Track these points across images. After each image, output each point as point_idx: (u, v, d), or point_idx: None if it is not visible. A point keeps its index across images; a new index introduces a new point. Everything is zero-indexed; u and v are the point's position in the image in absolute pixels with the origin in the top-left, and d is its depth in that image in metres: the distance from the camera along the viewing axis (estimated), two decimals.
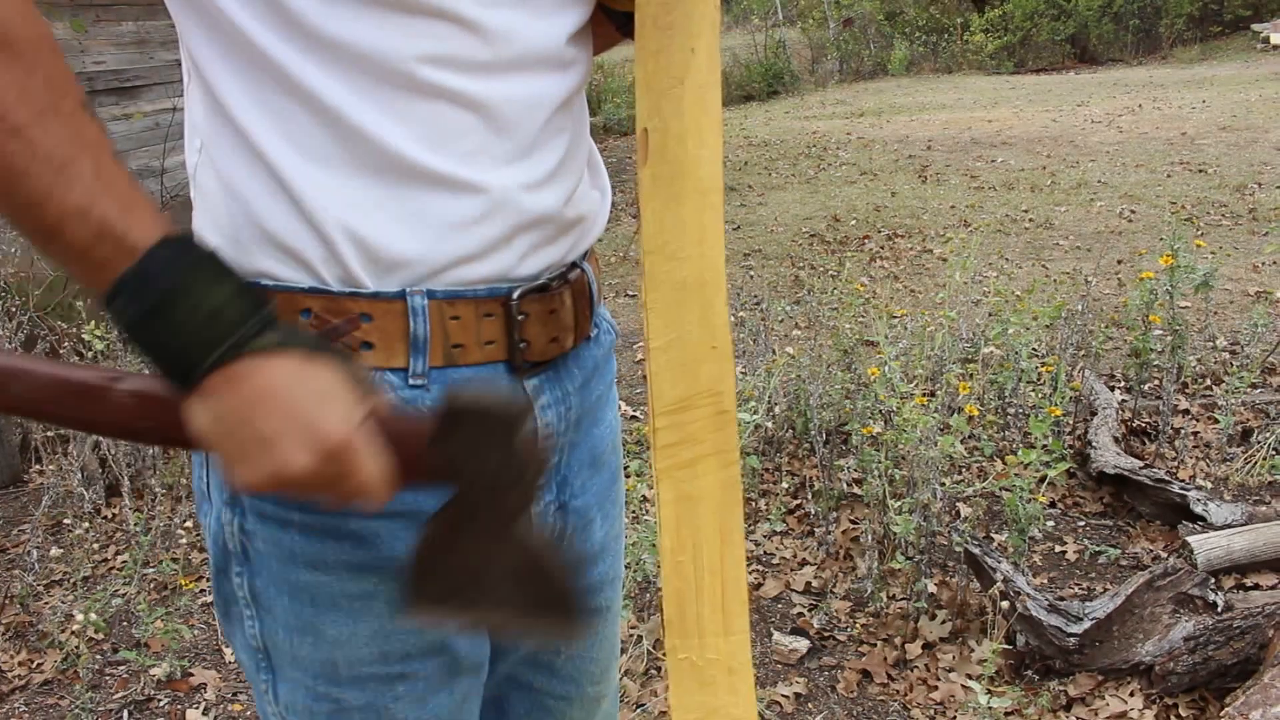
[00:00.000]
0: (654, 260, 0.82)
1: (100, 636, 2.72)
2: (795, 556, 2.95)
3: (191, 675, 2.56)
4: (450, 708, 0.93)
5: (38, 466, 3.67)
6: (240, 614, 0.89)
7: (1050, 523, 3.01)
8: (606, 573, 1.06)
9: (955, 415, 2.75)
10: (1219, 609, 2.31)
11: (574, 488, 0.98)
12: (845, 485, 3.17)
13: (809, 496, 3.14)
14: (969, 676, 2.36)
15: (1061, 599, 2.48)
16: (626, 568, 2.54)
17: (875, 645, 2.53)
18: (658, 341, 0.81)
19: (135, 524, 3.08)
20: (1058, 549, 2.91)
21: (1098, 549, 2.87)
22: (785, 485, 3.25)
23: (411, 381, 0.81)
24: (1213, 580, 2.41)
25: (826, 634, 2.60)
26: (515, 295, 0.84)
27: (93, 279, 0.69)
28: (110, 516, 3.32)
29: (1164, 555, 2.79)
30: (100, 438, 3.27)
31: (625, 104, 12.39)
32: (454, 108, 0.78)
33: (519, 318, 0.85)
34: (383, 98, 0.76)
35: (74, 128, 0.68)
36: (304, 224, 0.77)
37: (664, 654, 0.87)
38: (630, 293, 5.49)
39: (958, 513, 3.05)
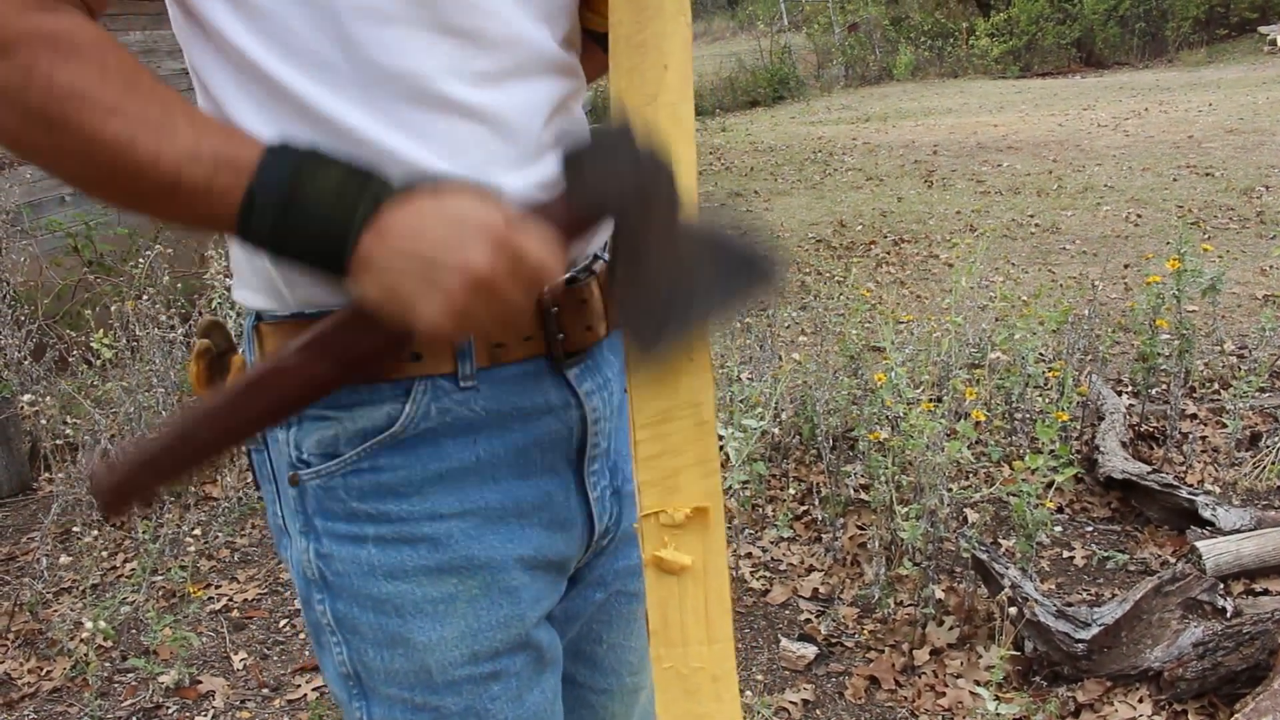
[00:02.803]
0: None
1: (109, 644, 2.72)
2: (803, 563, 2.95)
3: (200, 683, 2.57)
4: (544, 705, 0.95)
5: (47, 475, 3.69)
6: (328, 642, 0.91)
7: (1058, 528, 3.00)
8: None
9: (962, 420, 2.75)
10: (1228, 614, 2.31)
11: (625, 473, 0.99)
12: (852, 491, 3.16)
13: (816, 502, 3.14)
14: (977, 683, 2.35)
15: (1069, 605, 2.47)
16: None
17: (883, 651, 2.53)
18: (637, 355, 0.82)
19: (144, 532, 3.09)
20: (1065, 554, 2.91)
21: (1106, 554, 2.86)
22: (792, 491, 3.25)
23: (462, 384, 0.85)
24: (1221, 585, 2.40)
25: (834, 640, 2.60)
26: (545, 290, 0.86)
27: (221, 212, 0.73)
28: (119, 524, 3.33)
29: (1172, 560, 2.78)
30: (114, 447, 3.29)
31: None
32: (463, 120, 0.81)
33: (553, 310, 0.88)
34: (397, 116, 0.79)
35: (157, 93, 0.73)
36: None
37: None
38: None
39: (965, 518, 3.05)
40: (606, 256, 0.92)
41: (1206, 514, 2.79)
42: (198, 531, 3.24)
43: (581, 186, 0.76)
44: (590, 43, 0.96)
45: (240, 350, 0.91)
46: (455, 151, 0.81)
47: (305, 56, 0.77)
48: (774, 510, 3.17)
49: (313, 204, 0.72)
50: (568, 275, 0.89)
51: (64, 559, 3.15)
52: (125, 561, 3.13)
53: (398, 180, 0.74)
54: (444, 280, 0.70)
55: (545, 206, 0.76)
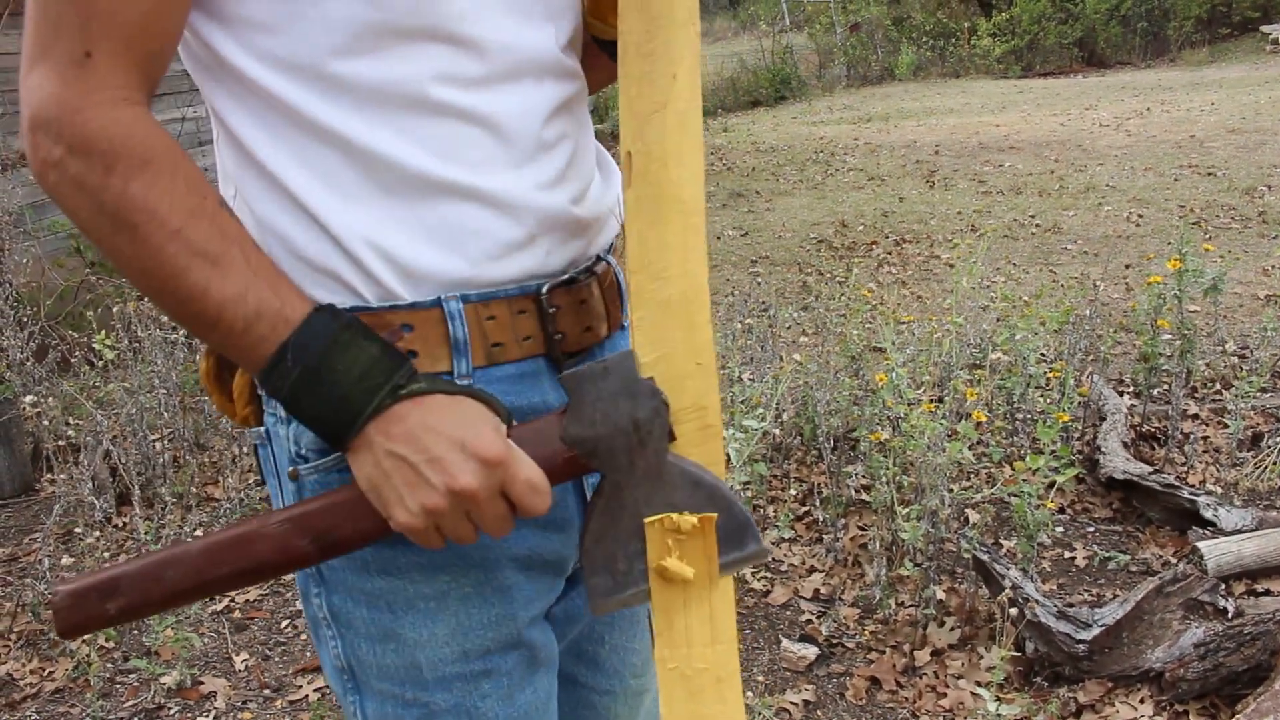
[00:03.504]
0: (639, 279, 0.84)
1: (111, 645, 2.73)
2: (804, 563, 2.95)
3: (202, 684, 2.57)
4: (536, 704, 0.95)
5: (49, 476, 3.69)
6: (325, 636, 0.93)
7: (1059, 529, 3.00)
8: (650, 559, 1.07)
9: (963, 421, 2.75)
10: (1230, 615, 2.31)
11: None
12: (853, 492, 3.16)
13: (817, 503, 3.14)
14: (978, 683, 2.35)
15: (1071, 605, 2.47)
16: None
17: (884, 652, 2.53)
18: (644, 359, 0.83)
19: (146, 533, 3.10)
20: (1067, 555, 2.91)
21: (1107, 555, 2.86)
22: (793, 492, 3.25)
23: (458, 383, 0.85)
24: (1223, 586, 2.40)
25: (835, 641, 2.60)
26: (544, 290, 0.88)
27: (252, 354, 0.78)
28: (121, 525, 3.33)
29: (1174, 561, 2.78)
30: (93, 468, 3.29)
31: None
32: (459, 123, 0.82)
33: (551, 310, 0.89)
34: (393, 122, 0.81)
35: (219, 224, 0.77)
36: (336, 249, 0.82)
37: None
38: None
39: (966, 519, 3.05)
40: (611, 258, 0.94)
41: (1208, 514, 2.79)
42: (199, 532, 3.24)
43: (577, 423, 0.80)
44: (597, 50, 0.97)
45: None
46: (452, 153, 0.82)
47: (298, 68, 0.79)
48: (775, 511, 3.18)
49: (336, 381, 0.77)
50: (566, 277, 0.90)
51: (66, 560, 3.16)
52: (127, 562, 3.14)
53: (424, 376, 0.80)
54: (428, 486, 0.76)
55: (541, 435, 0.81)
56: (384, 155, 0.81)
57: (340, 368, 0.77)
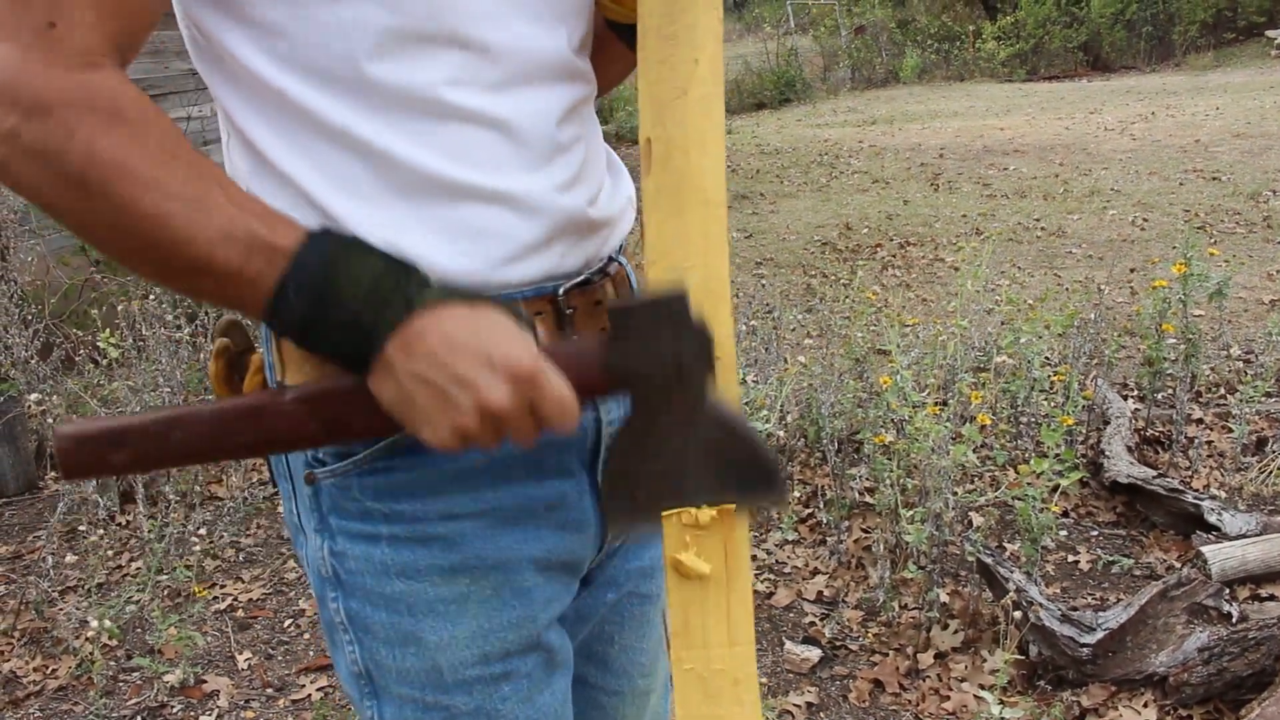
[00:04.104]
0: (657, 271, 0.82)
1: (114, 643, 2.73)
2: (807, 565, 2.95)
3: (205, 682, 2.57)
4: (554, 706, 0.95)
5: (53, 474, 3.69)
6: (341, 640, 0.92)
7: (1063, 532, 3.00)
8: (658, 558, 1.06)
9: (967, 424, 2.75)
10: (1234, 620, 2.30)
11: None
12: (857, 494, 3.16)
13: (821, 505, 3.14)
14: (981, 687, 2.35)
15: (1074, 609, 2.47)
16: None
17: (887, 655, 2.53)
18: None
19: (149, 531, 3.10)
20: (1070, 559, 2.90)
21: (1111, 559, 2.86)
22: (797, 494, 3.25)
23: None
24: (1227, 591, 2.40)
25: (838, 643, 2.60)
26: (561, 292, 0.88)
27: (251, 295, 0.74)
28: (124, 524, 3.34)
29: (1178, 565, 2.77)
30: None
31: (637, 113, 12.39)
32: (474, 126, 0.82)
33: (568, 311, 0.88)
34: (408, 126, 0.80)
35: (196, 167, 0.73)
36: None
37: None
38: None
39: (970, 522, 3.04)
40: (618, 263, 0.92)
41: (1212, 519, 2.78)
42: (203, 531, 3.25)
43: (620, 350, 0.77)
44: (614, 38, 0.96)
45: (258, 349, 0.91)
46: (467, 156, 0.82)
47: (314, 71, 0.78)
48: (779, 513, 3.17)
49: (347, 298, 0.73)
50: (581, 278, 0.90)
51: (70, 558, 3.16)
52: (131, 561, 3.14)
53: (434, 284, 0.75)
54: (458, 407, 0.72)
55: (577, 356, 0.77)
56: (401, 159, 0.80)
57: (346, 287, 0.73)
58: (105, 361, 3.58)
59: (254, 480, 3.56)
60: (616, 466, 0.81)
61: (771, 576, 2.89)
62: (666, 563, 0.83)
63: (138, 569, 3.06)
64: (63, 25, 0.70)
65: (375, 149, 0.79)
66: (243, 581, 3.06)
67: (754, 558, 2.97)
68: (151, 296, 3.88)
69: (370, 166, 0.80)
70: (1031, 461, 2.54)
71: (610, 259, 0.94)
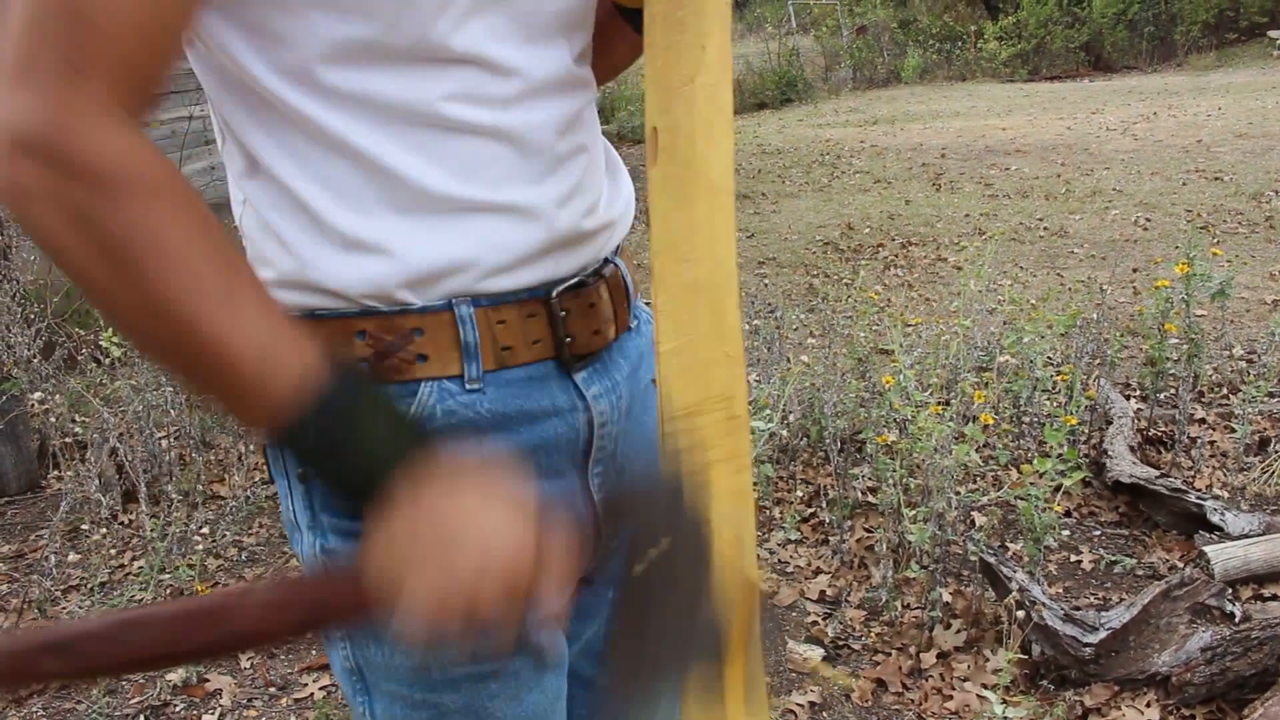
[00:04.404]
0: (663, 262, 0.81)
1: None
2: (810, 565, 2.95)
3: (207, 681, 2.57)
4: (544, 705, 0.95)
5: (55, 473, 3.70)
6: (334, 638, 0.91)
7: (1066, 532, 3.00)
8: None
9: (970, 424, 2.75)
10: (1236, 619, 2.30)
11: (633, 474, 0.99)
12: (860, 494, 3.16)
13: (823, 505, 3.14)
14: (984, 686, 2.35)
15: (1077, 609, 2.47)
16: None
17: (890, 654, 2.53)
18: (667, 345, 0.79)
19: (152, 530, 3.10)
20: (1073, 558, 2.90)
21: (1114, 559, 2.86)
22: (800, 493, 3.24)
23: (468, 386, 0.84)
24: (1230, 591, 2.40)
25: (841, 643, 2.60)
26: (554, 294, 0.87)
27: (261, 408, 0.71)
28: (127, 523, 3.34)
29: (1180, 565, 2.77)
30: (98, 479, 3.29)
31: (639, 111, 12.38)
32: (482, 140, 0.81)
33: (561, 314, 0.87)
34: (412, 139, 0.79)
35: (228, 259, 0.70)
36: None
37: None
38: (647, 300, 5.47)
39: (973, 522, 3.04)
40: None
41: (1215, 519, 2.78)
42: (205, 530, 3.25)
43: (615, 540, 0.75)
44: (621, 22, 0.94)
45: None
46: (472, 171, 0.81)
47: (318, 85, 0.77)
48: (781, 512, 3.17)
49: (365, 441, 0.72)
50: (575, 280, 0.89)
51: (72, 556, 3.16)
52: (133, 559, 3.14)
53: (438, 442, 0.74)
54: (444, 599, 0.70)
55: (575, 539, 0.75)
56: (403, 173, 0.79)
57: (368, 431, 0.72)
58: (108, 360, 3.58)
59: (256, 479, 3.56)
60: (622, 655, 0.78)
61: (774, 576, 2.89)
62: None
63: (140, 568, 3.06)
64: (91, 74, 0.66)
65: (375, 161, 0.78)
66: (245, 580, 3.06)
67: (756, 557, 2.96)
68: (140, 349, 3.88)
69: (369, 178, 0.79)
70: (1034, 461, 2.54)
71: (606, 260, 0.94)
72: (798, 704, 2.37)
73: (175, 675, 2.56)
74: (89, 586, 2.95)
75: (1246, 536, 2.69)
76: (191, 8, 0.72)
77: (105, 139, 0.66)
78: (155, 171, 0.68)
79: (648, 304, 0.91)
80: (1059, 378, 3.27)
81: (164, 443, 3.51)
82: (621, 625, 0.77)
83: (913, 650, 2.52)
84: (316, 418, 0.71)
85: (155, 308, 0.67)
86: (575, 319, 0.89)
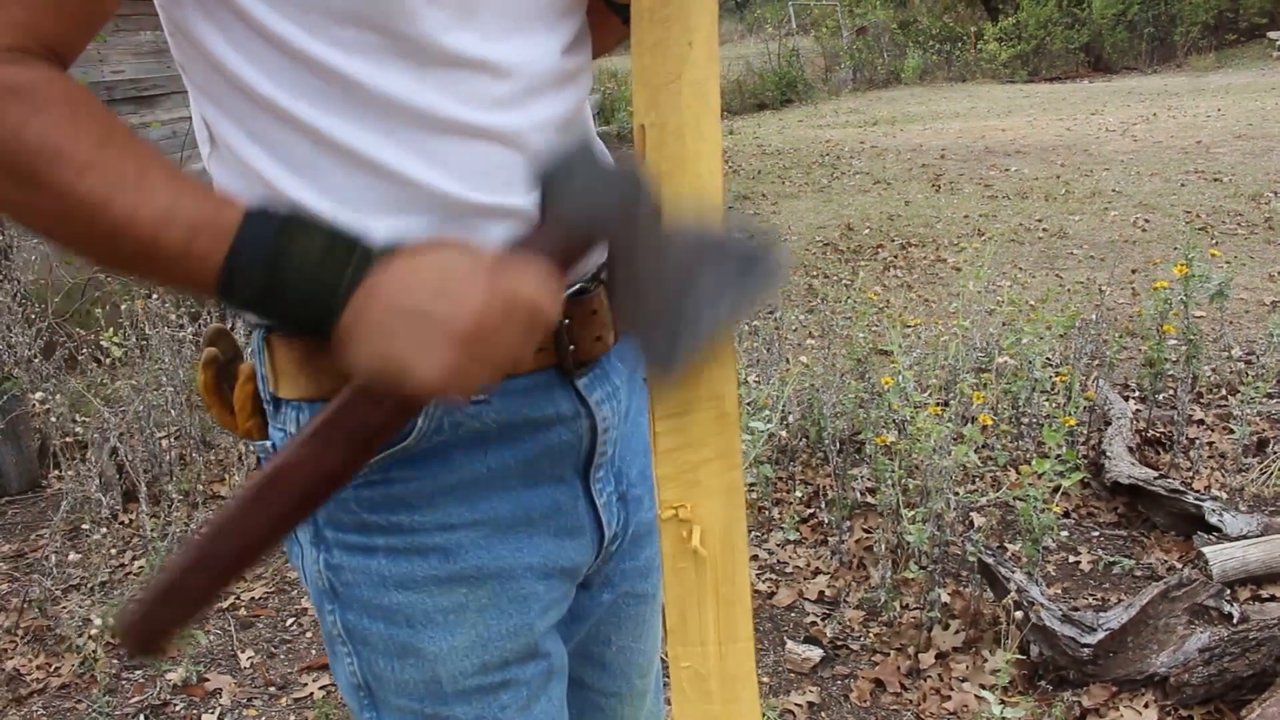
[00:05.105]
0: None
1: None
2: (808, 565, 2.95)
3: (207, 680, 2.58)
4: (551, 713, 0.95)
5: (56, 472, 3.70)
6: (340, 652, 0.91)
7: (1064, 533, 3.00)
8: (653, 558, 1.07)
9: (969, 425, 2.75)
10: (1234, 620, 2.31)
11: (630, 477, 1.00)
12: (859, 494, 3.16)
13: (822, 505, 3.14)
14: (982, 686, 2.35)
15: (1075, 609, 2.47)
16: None
17: (888, 654, 2.53)
18: (657, 371, 0.80)
19: (152, 530, 3.10)
20: (1072, 559, 2.90)
21: (1112, 559, 2.86)
22: (799, 494, 3.25)
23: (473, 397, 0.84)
24: (1228, 591, 2.40)
25: (840, 643, 2.60)
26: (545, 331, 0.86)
27: (201, 274, 0.71)
28: (127, 522, 3.34)
29: (1179, 566, 2.78)
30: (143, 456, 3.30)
31: None
32: (483, 143, 0.80)
33: (564, 322, 0.87)
34: (415, 143, 0.78)
35: (132, 148, 0.71)
36: None
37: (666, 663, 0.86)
38: None
39: (971, 522, 3.05)
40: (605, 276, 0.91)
41: (1213, 520, 2.79)
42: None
43: (560, 207, 0.74)
44: (608, 11, 0.93)
45: (249, 359, 0.90)
46: (475, 175, 0.80)
47: (316, 91, 0.76)
48: (780, 513, 3.18)
49: (298, 267, 0.71)
50: (577, 287, 0.89)
51: (73, 556, 3.16)
52: (134, 559, 3.15)
53: (380, 242, 0.73)
54: (437, 334, 0.69)
55: (529, 241, 0.74)
56: (409, 178, 0.78)
57: (298, 257, 0.70)
58: (108, 360, 3.59)
59: None
60: (630, 320, 0.78)
61: (773, 576, 2.90)
62: (665, 555, 0.81)
63: (141, 567, 3.06)
64: None
65: (379, 166, 0.78)
66: (245, 580, 3.06)
67: (755, 558, 2.97)
68: (155, 295, 3.88)
69: (372, 183, 0.78)
70: (1033, 462, 2.55)
71: (603, 266, 0.93)
72: (796, 704, 2.38)
73: (175, 675, 2.56)
74: (89, 586, 2.95)
75: (1245, 537, 2.69)
76: None
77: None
78: (41, 87, 0.69)
79: None
80: (1058, 379, 3.28)
81: (164, 443, 3.52)
82: (623, 295, 0.78)
83: (911, 651, 2.52)
84: (248, 257, 0.70)
85: (68, 208, 0.69)
86: (577, 326, 0.89)
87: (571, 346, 0.88)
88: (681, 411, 0.82)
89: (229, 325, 2.58)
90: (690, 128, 0.81)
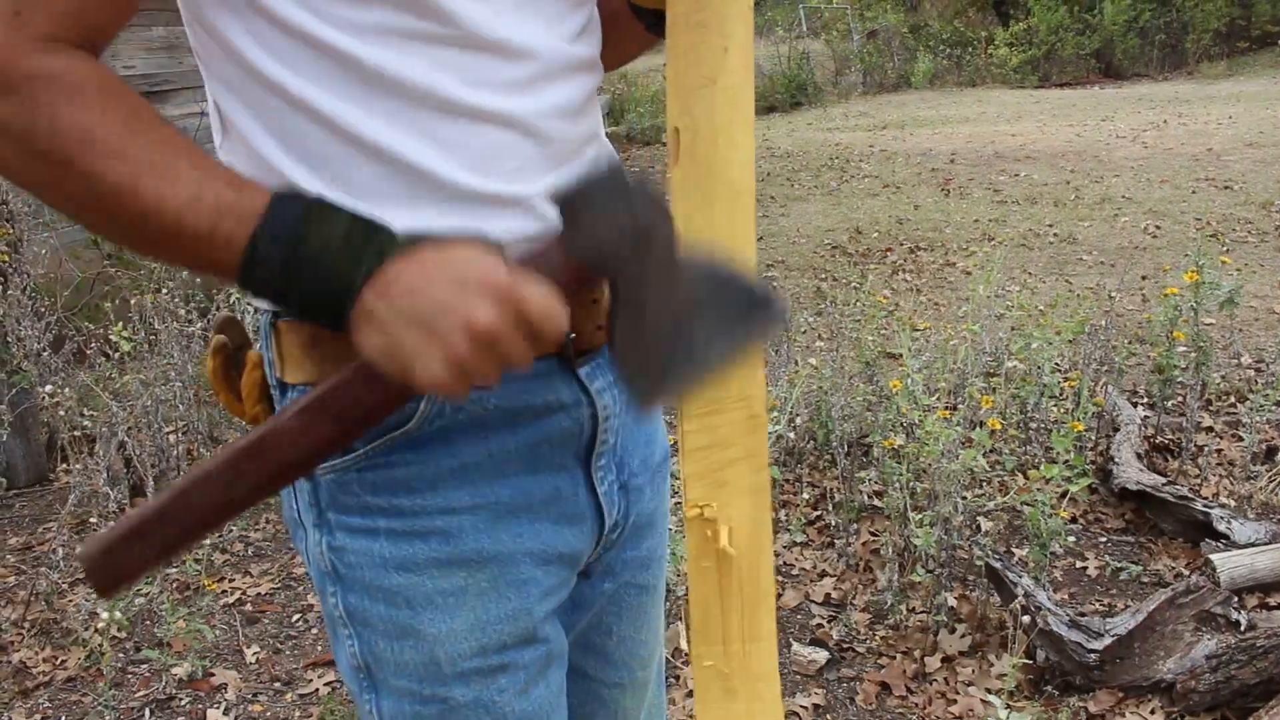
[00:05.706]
0: None
1: (123, 635, 2.74)
2: (815, 568, 2.95)
3: (213, 675, 2.58)
4: (549, 699, 0.95)
5: (64, 466, 3.71)
6: (341, 634, 0.92)
7: (1072, 538, 2.99)
8: (655, 548, 1.07)
9: (977, 429, 2.75)
10: (1242, 628, 2.30)
11: (632, 467, 1.00)
12: (866, 497, 3.16)
13: (830, 508, 3.14)
14: (989, 691, 2.35)
15: (1082, 615, 2.47)
16: None
17: (894, 658, 2.53)
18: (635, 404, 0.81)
19: None
20: (1079, 565, 2.90)
21: (1119, 565, 2.86)
22: (806, 496, 3.25)
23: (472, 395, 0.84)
24: (1235, 599, 2.39)
25: (846, 645, 2.60)
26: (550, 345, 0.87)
27: (225, 258, 0.73)
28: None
29: (1186, 573, 2.77)
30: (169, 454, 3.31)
31: (648, 113, 12.41)
32: (496, 128, 0.81)
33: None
34: (427, 129, 0.79)
35: (161, 135, 0.73)
36: None
37: (681, 663, 0.86)
38: None
39: (979, 526, 3.04)
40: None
41: (1221, 527, 2.78)
42: None
43: (578, 235, 0.75)
44: (630, 16, 0.93)
45: (256, 346, 0.91)
46: (488, 161, 0.81)
47: (330, 77, 0.77)
48: (787, 515, 3.17)
49: (317, 254, 0.73)
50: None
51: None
52: None
53: (401, 236, 0.75)
54: (445, 335, 0.70)
55: (544, 257, 0.75)
56: (418, 165, 0.79)
57: (317, 243, 0.72)
58: (117, 355, 3.59)
59: None
60: (622, 349, 0.78)
61: (780, 578, 2.89)
62: (691, 555, 0.82)
63: None
64: (27, 13, 0.71)
65: (391, 154, 0.79)
66: (251, 576, 3.07)
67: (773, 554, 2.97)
68: (164, 290, 3.89)
69: (384, 172, 0.79)
70: (1041, 467, 2.54)
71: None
72: (801, 706, 2.38)
73: (181, 669, 2.56)
74: None
75: (1253, 545, 2.68)
76: None
77: (30, 58, 0.71)
78: (77, 76, 0.72)
79: None
80: (1066, 384, 3.27)
81: (172, 437, 3.52)
82: (624, 322, 0.78)
83: (917, 654, 2.52)
84: (270, 241, 0.72)
85: (100, 195, 0.72)
86: (578, 315, 0.88)
87: (573, 335, 0.88)
88: (711, 411, 0.82)
89: (239, 313, 2.58)
90: (724, 133, 0.81)
